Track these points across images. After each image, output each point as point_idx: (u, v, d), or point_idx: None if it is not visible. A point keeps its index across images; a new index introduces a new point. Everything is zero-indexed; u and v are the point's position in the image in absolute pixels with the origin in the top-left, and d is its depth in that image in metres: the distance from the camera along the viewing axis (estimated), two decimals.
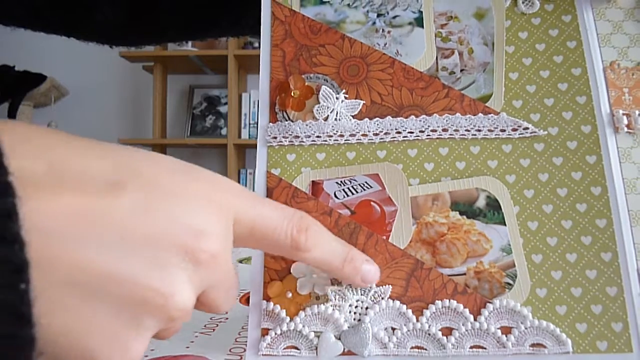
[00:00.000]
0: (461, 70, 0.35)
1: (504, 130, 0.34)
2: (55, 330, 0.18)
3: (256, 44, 2.34)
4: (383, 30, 0.37)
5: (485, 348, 0.30)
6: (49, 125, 2.49)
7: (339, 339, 0.31)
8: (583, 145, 0.33)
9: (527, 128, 0.33)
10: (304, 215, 0.27)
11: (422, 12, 0.37)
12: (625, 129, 0.33)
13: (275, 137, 0.35)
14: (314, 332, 0.31)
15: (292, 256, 0.27)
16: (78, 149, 0.20)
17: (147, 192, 0.21)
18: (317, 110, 0.35)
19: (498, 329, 0.30)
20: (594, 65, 0.34)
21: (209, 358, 0.32)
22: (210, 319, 0.41)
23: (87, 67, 2.59)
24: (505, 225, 0.32)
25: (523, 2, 0.36)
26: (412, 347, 0.30)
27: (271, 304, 0.32)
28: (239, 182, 2.42)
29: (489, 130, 0.34)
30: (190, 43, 2.38)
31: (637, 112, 0.33)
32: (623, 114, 0.33)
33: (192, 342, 0.35)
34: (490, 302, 0.30)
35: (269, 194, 0.34)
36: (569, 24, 0.36)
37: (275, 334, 0.31)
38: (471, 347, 0.30)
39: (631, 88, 0.34)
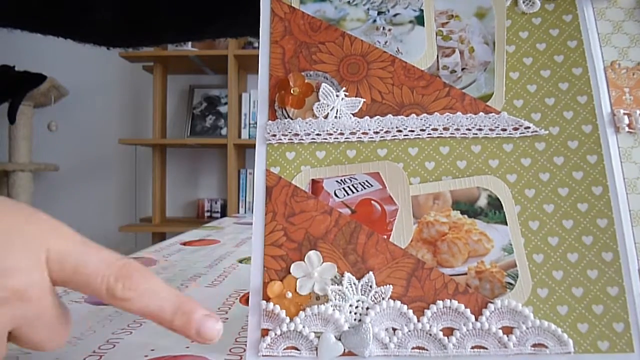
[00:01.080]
0: (462, 69, 0.35)
1: (505, 130, 0.33)
2: None
3: (256, 44, 2.34)
4: (384, 28, 0.36)
5: (486, 348, 0.30)
6: (49, 125, 2.47)
7: (340, 339, 0.30)
8: (584, 145, 0.33)
9: (528, 127, 0.33)
10: (129, 263, 0.26)
11: (422, 10, 0.37)
12: (626, 129, 0.33)
13: (275, 135, 0.35)
14: (314, 332, 0.31)
15: (113, 304, 0.26)
16: None
17: None
18: (317, 108, 0.35)
19: (499, 329, 0.30)
20: (594, 64, 0.34)
21: (209, 358, 0.32)
22: None
23: (87, 67, 2.58)
24: (506, 224, 0.32)
25: (524, 2, 0.36)
26: (413, 348, 0.30)
27: (271, 304, 0.31)
28: (238, 182, 2.42)
29: (490, 130, 0.34)
30: (190, 43, 2.37)
31: (637, 112, 0.33)
32: (624, 114, 0.33)
33: (192, 342, 0.35)
34: (491, 302, 0.30)
35: (268, 192, 0.34)
36: (570, 23, 0.36)
37: (275, 334, 0.31)
38: (472, 347, 0.30)
39: (632, 88, 0.34)
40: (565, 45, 0.35)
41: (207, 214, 2.54)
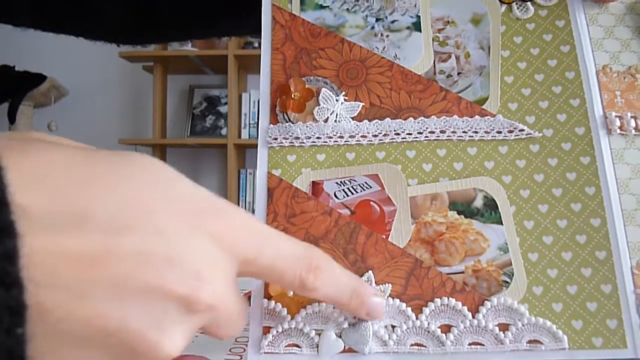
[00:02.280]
0: (458, 74, 0.36)
1: (500, 132, 0.34)
2: None
3: (256, 44, 2.35)
4: (382, 35, 0.37)
5: (483, 345, 0.30)
6: (49, 125, 2.48)
7: (340, 336, 0.31)
8: (577, 147, 0.34)
9: (523, 130, 0.34)
10: (315, 253, 0.26)
11: (419, 16, 0.38)
12: (618, 131, 0.34)
13: (276, 138, 0.36)
14: (315, 330, 0.31)
15: (299, 293, 0.27)
16: (87, 186, 0.19)
17: (149, 237, 0.20)
18: (317, 112, 0.36)
19: (496, 326, 0.31)
20: (587, 68, 0.35)
21: (209, 358, 0.32)
22: None
23: (87, 67, 2.58)
24: (502, 224, 0.33)
25: (518, 8, 0.37)
26: (411, 345, 0.31)
27: (272, 302, 0.32)
28: (238, 182, 2.42)
29: (486, 132, 0.34)
30: (190, 43, 2.37)
31: (629, 115, 0.34)
32: (615, 116, 0.34)
33: (192, 342, 0.35)
34: (488, 300, 0.31)
35: (270, 194, 0.35)
36: (563, 28, 0.37)
37: (277, 332, 0.31)
38: (470, 344, 0.30)
39: (623, 91, 0.35)
40: (559, 50, 0.36)
41: None
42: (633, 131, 0.34)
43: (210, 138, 2.50)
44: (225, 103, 2.50)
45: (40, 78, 2.25)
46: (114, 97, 2.68)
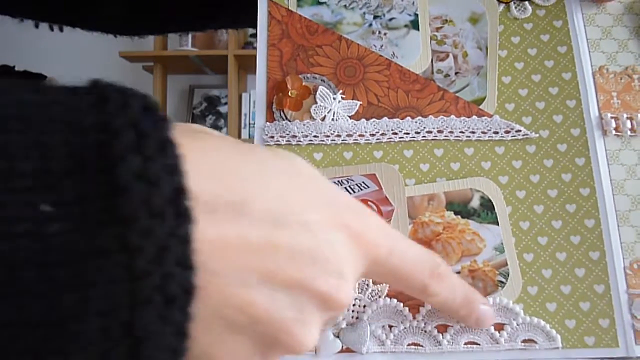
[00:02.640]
0: (456, 73, 0.36)
1: (497, 133, 0.34)
2: (195, 353, 0.19)
3: (256, 44, 2.33)
4: (379, 32, 0.37)
5: (479, 344, 0.31)
6: None
7: (338, 336, 0.31)
8: (573, 148, 0.34)
9: (520, 130, 0.34)
10: (437, 259, 0.27)
11: (417, 14, 0.37)
12: (614, 132, 0.34)
13: (273, 137, 0.35)
14: None
15: (416, 296, 0.28)
16: (247, 177, 0.20)
17: (300, 233, 0.20)
18: (315, 110, 0.35)
19: (491, 325, 0.31)
20: (583, 69, 0.36)
21: None
22: None
23: (87, 67, 2.54)
24: (498, 224, 0.33)
25: (516, 8, 0.37)
26: (409, 344, 0.31)
27: None
28: None
29: (483, 132, 0.35)
30: (190, 43, 2.36)
31: (624, 116, 0.34)
32: (611, 118, 0.34)
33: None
34: None
35: None
36: (560, 29, 0.37)
37: None
38: (466, 343, 0.31)
39: (619, 92, 0.35)
40: (556, 51, 0.36)
41: None
42: (629, 132, 0.34)
43: None
44: (225, 103, 2.49)
45: (40, 78, 2.23)
46: None
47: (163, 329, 0.16)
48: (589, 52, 0.36)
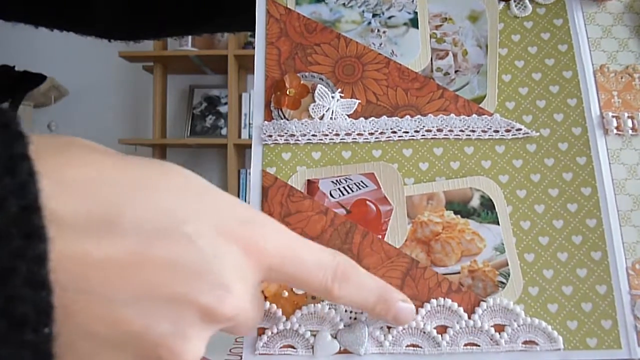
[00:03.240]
0: (455, 72, 0.36)
1: (497, 131, 0.34)
2: None
3: None
4: (378, 31, 0.37)
5: (479, 345, 0.30)
6: (49, 125, 2.45)
7: (335, 337, 0.31)
8: (574, 147, 0.34)
9: (520, 129, 0.34)
10: (341, 261, 0.26)
11: (417, 12, 0.37)
12: (615, 131, 0.34)
13: (271, 136, 0.35)
14: (310, 331, 0.31)
15: (323, 298, 0.28)
16: (119, 192, 0.19)
17: (179, 246, 0.20)
18: (313, 109, 0.35)
19: (491, 326, 0.31)
20: (584, 68, 0.35)
21: (209, 358, 0.32)
22: None
23: (87, 67, 2.55)
24: (498, 224, 0.32)
25: (516, 6, 0.37)
26: (407, 345, 0.31)
27: (267, 303, 0.32)
28: (238, 182, 2.41)
29: (483, 131, 0.34)
30: (190, 43, 2.37)
31: (626, 115, 0.34)
32: (612, 117, 0.34)
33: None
34: (483, 301, 0.31)
35: (265, 192, 0.34)
36: (560, 27, 0.36)
37: (272, 333, 0.31)
38: (465, 345, 0.30)
39: (620, 91, 0.35)
40: (556, 49, 0.36)
41: None
42: (630, 131, 0.34)
43: (210, 138, 2.49)
44: (225, 103, 2.49)
45: (40, 78, 2.24)
46: (114, 97, 2.66)
47: (19, 352, 0.16)
48: (590, 50, 0.36)
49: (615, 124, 0.34)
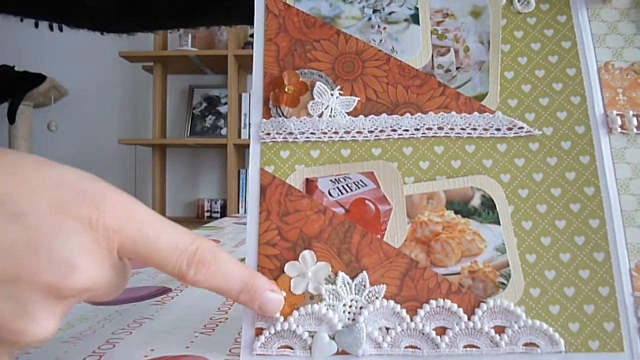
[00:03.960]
0: (457, 68, 0.35)
1: (499, 129, 0.34)
2: None
3: None
4: (379, 27, 0.36)
5: (478, 347, 0.30)
6: (49, 125, 2.46)
7: (333, 338, 0.30)
8: (577, 146, 0.33)
9: (522, 127, 0.33)
10: (201, 246, 0.26)
11: (418, 8, 0.36)
12: (619, 130, 0.33)
13: (269, 134, 0.34)
14: (308, 332, 0.31)
15: (182, 283, 0.27)
16: None
17: (6, 225, 0.20)
18: (312, 106, 0.34)
19: (492, 328, 0.30)
20: (588, 65, 0.35)
21: (209, 358, 0.32)
22: (210, 319, 0.40)
23: (87, 67, 2.56)
24: (499, 224, 0.32)
25: (519, 1, 0.36)
26: (406, 347, 0.30)
27: None
28: (238, 182, 2.42)
29: (484, 129, 0.34)
30: (190, 43, 2.37)
31: (630, 113, 0.33)
32: (617, 115, 0.33)
33: (192, 342, 0.35)
34: (484, 302, 0.30)
35: (263, 191, 0.34)
36: (564, 24, 0.36)
37: (270, 333, 0.31)
38: (465, 347, 0.30)
39: (625, 88, 0.34)
40: (560, 46, 0.35)
41: (207, 214, 2.54)
42: (635, 130, 0.33)
43: (210, 138, 2.50)
44: (225, 103, 2.49)
45: (40, 78, 2.25)
46: (114, 97, 2.66)
47: None
48: (594, 47, 0.35)
49: (619, 122, 0.33)
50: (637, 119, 0.33)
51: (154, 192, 2.44)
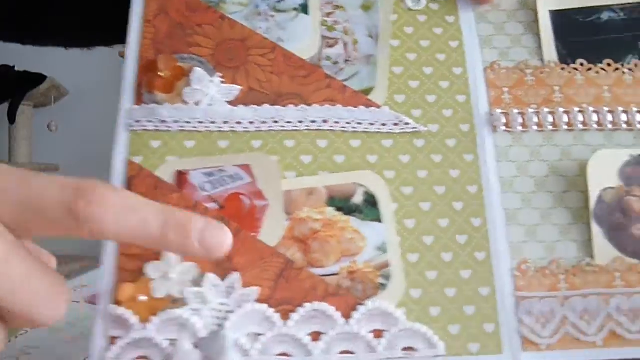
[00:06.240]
0: (345, 61, 0.34)
1: (385, 125, 0.32)
2: None
3: None
4: (266, 14, 0.34)
5: (354, 353, 0.28)
6: (49, 125, 2.31)
7: (196, 347, 0.27)
8: (461, 144, 0.32)
9: (408, 123, 0.32)
10: (95, 183, 0.21)
11: None
12: (503, 128, 0.33)
13: (139, 121, 0.31)
14: (169, 340, 0.27)
15: (81, 233, 0.20)
16: None
17: None
18: (188, 93, 0.32)
19: (369, 332, 0.28)
20: (474, 65, 0.34)
21: None
22: None
23: (87, 67, 2.41)
24: (381, 222, 0.30)
25: None
26: (277, 354, 0.28)
27: (121, 308, 0.28)
28: None
29: (370, 124, 0.32)
30: None
31: (515, 111, 0.33)
32: (501, 113, 0.33)
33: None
34: (362, 304, 0.28)
35: (129, 184, 0.30)
36: (452, 24, 0.35)
37: (125, 343, 0.27)
38: (340, 353, 0.28)
39: (511, 87, 0.34)
40: (447, 45, 0.35)
41: None
42: (520, 128, 0.33)
43: None
44: None
45: (40, 78, 2.14)
46: (114, 97, 2.51)
47: None
48: (481, 48, 0.35)
49: (504, 120, 0.33)
50: (522, 117, 0.33)
51: None
